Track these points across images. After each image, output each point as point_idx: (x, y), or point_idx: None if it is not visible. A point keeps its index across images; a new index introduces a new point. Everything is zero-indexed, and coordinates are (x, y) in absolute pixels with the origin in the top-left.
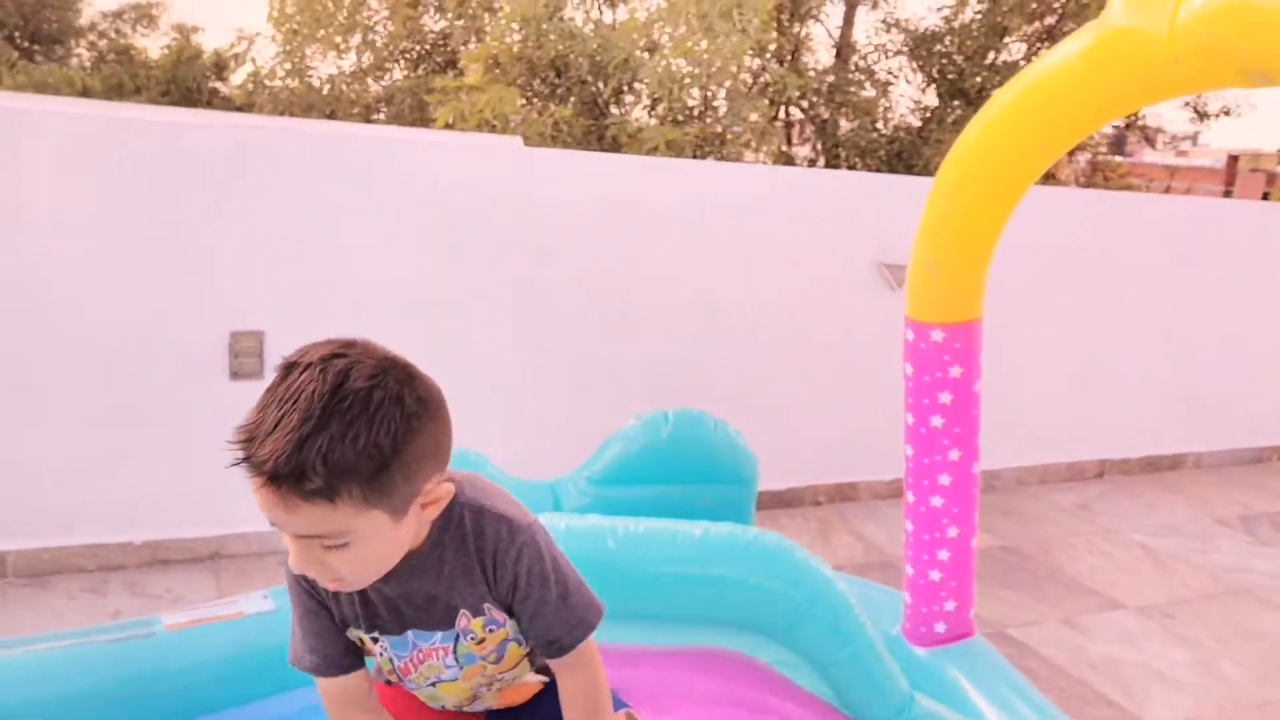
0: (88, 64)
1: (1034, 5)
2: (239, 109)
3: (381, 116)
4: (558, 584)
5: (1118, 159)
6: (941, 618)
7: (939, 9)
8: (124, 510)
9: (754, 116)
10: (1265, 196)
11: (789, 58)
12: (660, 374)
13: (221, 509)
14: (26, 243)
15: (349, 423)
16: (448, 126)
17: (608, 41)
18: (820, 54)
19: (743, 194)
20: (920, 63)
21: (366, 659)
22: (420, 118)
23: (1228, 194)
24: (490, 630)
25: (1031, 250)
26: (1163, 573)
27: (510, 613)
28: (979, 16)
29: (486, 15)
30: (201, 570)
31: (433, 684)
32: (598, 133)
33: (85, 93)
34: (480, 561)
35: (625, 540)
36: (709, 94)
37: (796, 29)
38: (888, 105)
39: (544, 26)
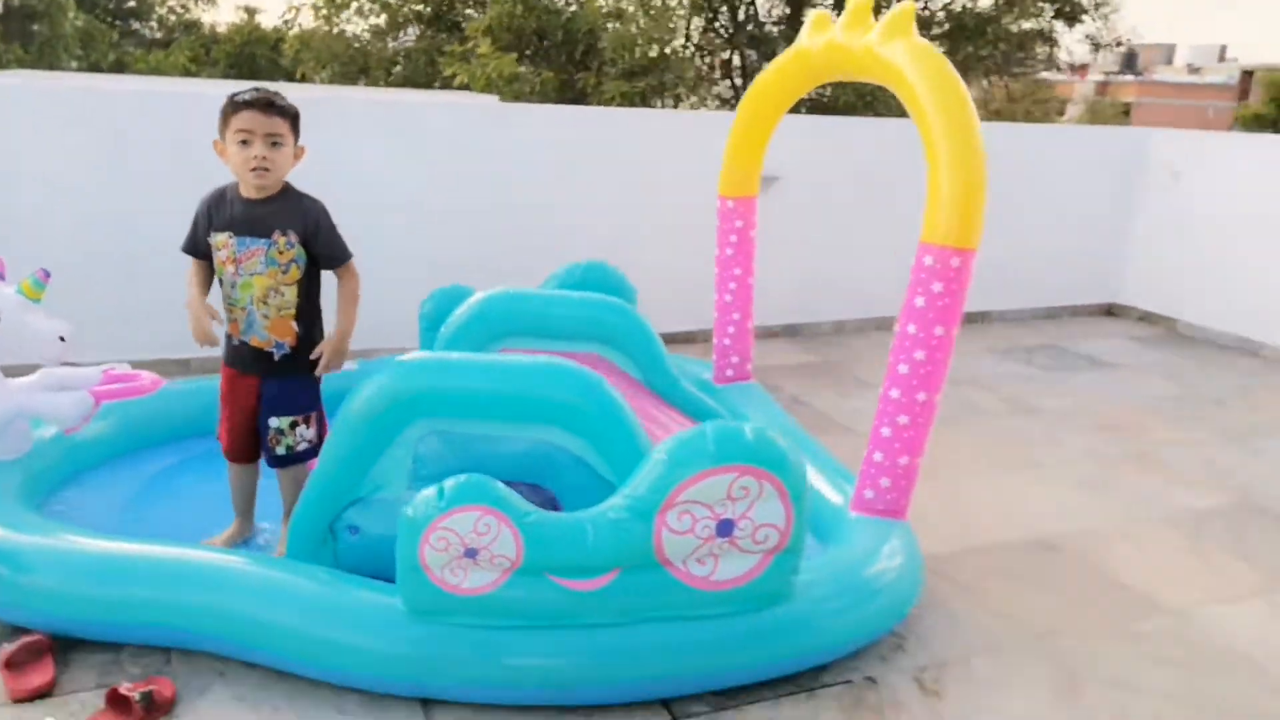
0: (159, 35)
1: None
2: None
3: (400, 69)
4: (334, 230)
5: (1129, 77)
6: (730, 366)
7: None
8: None
9: (689, 74)
10: None
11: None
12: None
13: None
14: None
15: (286, 99)
16: (463, 86)
17: (577, 14)
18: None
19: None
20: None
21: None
22: (432, 74)
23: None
24: (290, 247)
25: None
26: None
27: (305, 245)
28: None
29: None
30: None
31: (252, 275)
32: (571, 88)
33: (187, 72)
34: (300, 212)
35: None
36: (657, 53)
37: None
38: None
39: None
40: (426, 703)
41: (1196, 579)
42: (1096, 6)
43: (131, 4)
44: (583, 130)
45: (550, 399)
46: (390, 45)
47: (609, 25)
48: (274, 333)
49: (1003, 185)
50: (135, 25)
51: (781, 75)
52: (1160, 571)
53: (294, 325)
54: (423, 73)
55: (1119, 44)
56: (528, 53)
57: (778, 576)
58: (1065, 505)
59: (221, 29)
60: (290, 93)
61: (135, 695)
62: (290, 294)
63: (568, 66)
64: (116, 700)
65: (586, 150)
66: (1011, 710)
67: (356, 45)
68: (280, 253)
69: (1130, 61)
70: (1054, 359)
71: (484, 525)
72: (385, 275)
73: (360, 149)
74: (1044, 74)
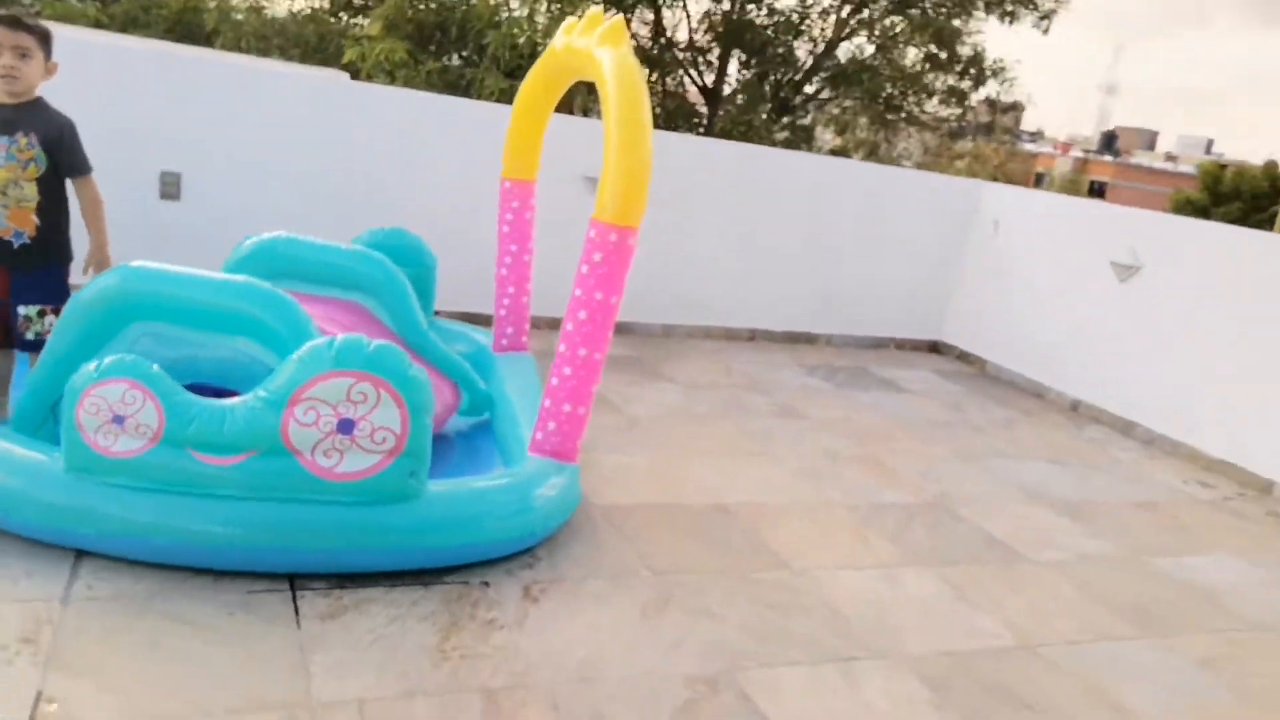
0: None
1: None
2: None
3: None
4: (77, 143)
5: (1106, 158)
6: (505, 337)
7: None
8: None
9: None
10: None
11: None
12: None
13: None
14: None
15: (36, 20)
16: (351, 65)
17: (470, 10)
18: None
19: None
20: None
21: None
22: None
23: None
24: (30, 148)
25: (751, 187)
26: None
27: (46, 150)
28: None
29: None
30: None
31: None
32: (461, 79)
33: (98, 25)
34: (46, 119)
35: (317, 248)
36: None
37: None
38: None
39: None
40: (79, 554)
41: (839, 551)
42: (998, 73)
43: None
44: (425, 113)
45: (246, 314)
46: (310, 28)
47: (499, 22)
48: (13, 221)
49: (849, 220)
50: None
51: (541, 72)
52: (812, 542)
53: (34, 218)
54: (334, 56)
55: (1016, 107)
56: (431, 48)
57: (397, 476)
58: (768, 485)
59: None
60: (147, 47)
61: None
62: (30, 190)
63: (461, 60)
64: None
65: (426, 133)
66: (592, 618)
67: (278, 24)
68: (20, 151)
69: (1109, 143)
70: (852, 379)
71: (130, 397)
72: (209, 218)
73: (199, 105)
74: (1029, 145)
